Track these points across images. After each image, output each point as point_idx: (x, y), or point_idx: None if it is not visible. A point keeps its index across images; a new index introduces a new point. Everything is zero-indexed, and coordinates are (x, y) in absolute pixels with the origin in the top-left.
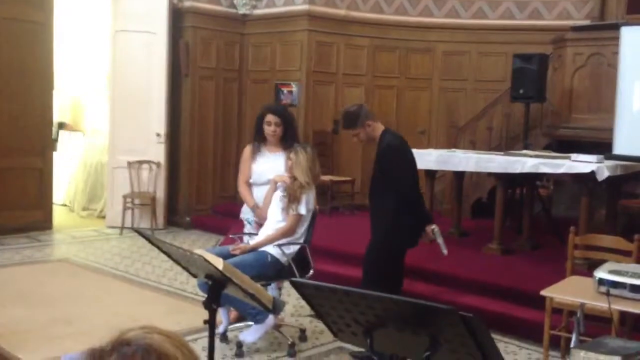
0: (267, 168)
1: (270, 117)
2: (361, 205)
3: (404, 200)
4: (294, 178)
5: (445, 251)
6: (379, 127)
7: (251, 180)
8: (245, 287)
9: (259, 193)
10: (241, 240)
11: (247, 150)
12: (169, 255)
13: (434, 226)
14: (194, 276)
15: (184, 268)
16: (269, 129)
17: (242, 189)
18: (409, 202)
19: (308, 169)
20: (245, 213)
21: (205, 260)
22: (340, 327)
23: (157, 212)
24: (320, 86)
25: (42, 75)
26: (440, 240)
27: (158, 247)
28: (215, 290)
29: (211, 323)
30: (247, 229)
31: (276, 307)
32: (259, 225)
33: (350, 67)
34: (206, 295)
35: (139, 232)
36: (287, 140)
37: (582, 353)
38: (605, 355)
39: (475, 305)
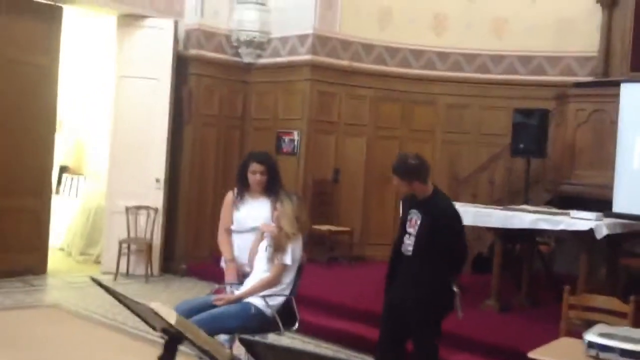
0: (250, 215)
1: (255, 167)
2: (359, 257)
3: (456, 265)
4: (280, 228)
5: (461, 315)
6: (428, 188)
7: (233, 228)
8: (200, 343)
9: (240, 241)
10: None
11: (229, 196)
12: (128, 308)
13: (456, 289)
14: (154, 329)
15: (144, 321)
16: (253, 178)
17: (222, 237)
18: (459, 267)
19: (294, 219)
20: (223, 260)
21: (156, 313)
22: None
23: (152, 258)
24: (321, 135)
25: (45, 118)
26: (458, 304)
27: (116, 299)
28: (171, 346)
29: None
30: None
31: None
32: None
33: (352, 117)
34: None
35: (97, 281)
36: (271, 188)
37: None
38: None
39: None
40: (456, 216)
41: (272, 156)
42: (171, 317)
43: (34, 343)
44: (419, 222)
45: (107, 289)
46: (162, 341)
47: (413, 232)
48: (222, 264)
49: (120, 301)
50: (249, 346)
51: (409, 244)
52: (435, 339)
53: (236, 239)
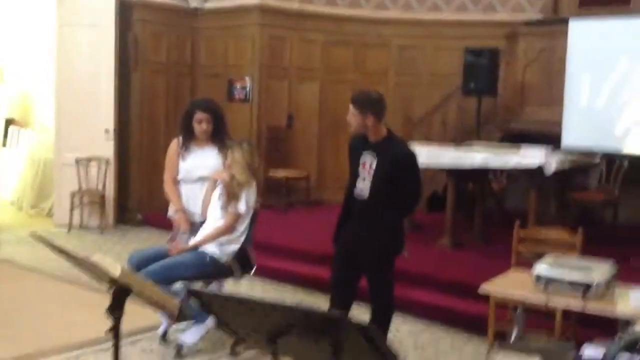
0: (196, 165)
1: (200, 115)
2: (317, 201)
3: (412, 207)
4: (232, 176)
5: (407, 255)
6: (383, 128)
7: (180, 177)
8: (146, 294)
9: (188, 191)
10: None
11: (173, 146)
12: (72, 262)
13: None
14: (101, 281)
15: (90, 274)
16: (199, 127)
17: (169, 188)
18: (413, 208)
19: (246, 166)
20: (172, 210)
21: (97, 266)
22: (243, 334)
23: (106, 209)
24: (273, 81)
25: None
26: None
27: (59, 254)
28: (119, 298)
29: (115, 332)
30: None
31: (184, 315)
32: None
33: (304, 62)
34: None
35: (38, 237)
36: (217, 136)
37: (500, 356)
38: (527, 356)
39: (424, 300)
40: (415, 159)
41: (217, 103)
42: (114, 270)
43: None
44: (374, 166)
45: (48, 244)
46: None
47: (367, 176)
48: (171, 213)
49: (63, 255)
50: (198, 297)
51: (362, 187)
52: (391, 278)
53: (184, 189)
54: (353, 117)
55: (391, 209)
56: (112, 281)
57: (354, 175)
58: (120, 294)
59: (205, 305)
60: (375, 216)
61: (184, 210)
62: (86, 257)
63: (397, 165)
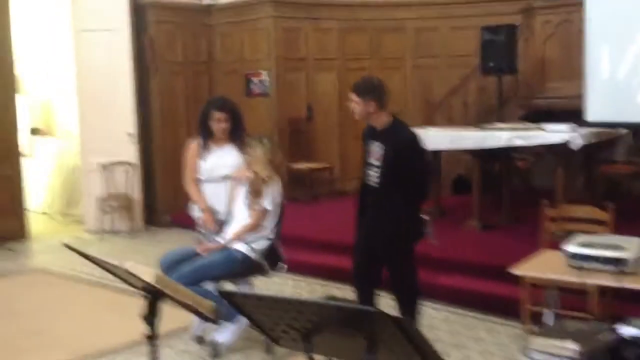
0: (218, 164)
1: (217, 115)
2: (342, 192)
3: (419, 191)
4: (255, 173)
5: (435, 241)
6: (386, 115)
7: (202, 177)
8: (180, 298)
9: (210, 190)
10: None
11: (193, 146)
12: (105, 270)
13: (425, 217)
14: (135, 287)
15: (124, 281)
16: (218, 127)
17: (192, 188)
18: (422, 193)
19: (267, 162)
20: (195, 211)
21: (132, 274)
22: (278, 334)
23: (135, 213)
24: (290, 73)
25: (3, 79)
26: (430, 230)
27: (92, 262)
28: (153, 303)
29: (152, 338)
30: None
31: (219, 316)
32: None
33: (320, 52)
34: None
35: (70, 247)
36: (236, 134)
37: (541, 340)
38: (561, 341)
39: (454, 285)
40: (417, 142)
41: (233, 101)
42: (148, 276)
43: (23, 309)
44: (381, 153)
45: (80, 254)
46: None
47: (377, 164)
48: (195, 213)
49: (96, 263)
50: (228, 298)
51: (374, 175)
52: (411, 264)
53: (207, 188)
54: (356, 105)
55: (403, 195)
56: (147, 287)
57: (366, 165)
58: (154, 300)
59: (237, 307)
60: (388, 203)
61: (209, 210)
62: (120, 265)
63: (399, 151)
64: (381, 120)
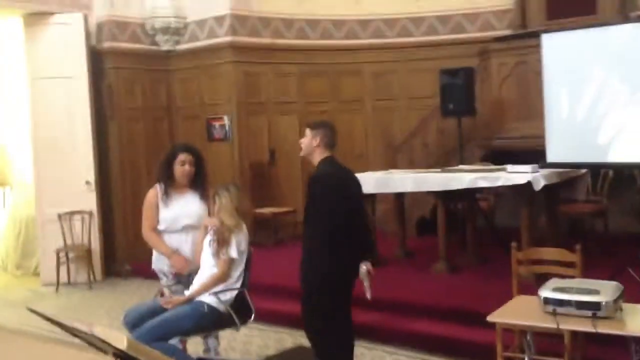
0: (180, 213)
1: (184, 156)
2: None
3: (324, 233)
4: (221, 221)
5: (368, 295)
6: (321, 154)
7: (162, 228)
8: None
9: (172, 242)
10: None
11: (153, 194)
12: (73, 335)
13: (363, 266)
14: (104, 353)
15: (93, 346)
16: (182, 170)
17: (152, 236)
18: (328, 235)
19: (234, 210)
20: (158, 263)
21: (102, 340)
22: None
23: (94, 264)
24: (251, 117)
25: None
26: (365, 283)
27: (59, 327)
28: None
29: None
30: (164, 281)
31: None
32: (175, 275)
33: (280, 95)
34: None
35: (34, 312)
36: (198, 180)
37: None
38: None
39: (425, 331)
40: (313, 182)
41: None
42: (121, 342)
43: None
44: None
45: (45, 317)
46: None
47: None
48: (154, 266)
49: (62, 328)
50: None
51: None
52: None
53: (167, 239)
54: (305, 139)
55: (310, 241)
56: (118, 354)
57: None
58: None
59: None
60: (303, 245)
61: (176, 251)
62: (88, 330)
63: (307, 188)
64: (316, 158)
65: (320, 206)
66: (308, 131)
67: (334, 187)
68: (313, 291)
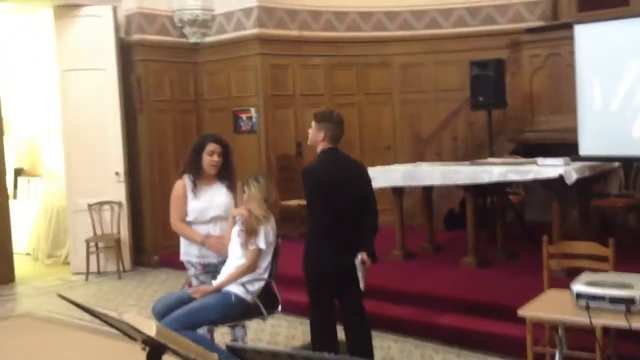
0: (210, 205)
1: (213, 147)
2: None
3: (318, 225)
4: (249, 212)
5: (361, 286)
6: (323, 146)
7: (190, 219)
8: (184, 352)
9: (201, 232)
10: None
11: (180, 186)
12: (103, 321)
13: (358, 257)
14: (134, 339)
15: (123, 333)
16: (211, 160)
17: (182, 226)
18: (322, 227)
19: (262, 201)
20: (186, 254)
21: (132, 327)
22: None
23: (123, 254)
24: (279, 109)
25: None
26: (359, 273)
27: (90, 313)
28: (154, 357)
29: None
30: (192, 272)
31: None
32: (203, 266)
33: (307, 88)
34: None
35: (66, 298)
36: (225, 171)
37: None
38: None
39: (455, 325)
40: (304, 170)
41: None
42: (150, 328)
43: (8, 356)
44: None
45: (76, 304)
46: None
47: None
48: (183, 257)
49: (93, 315)
50: (239, 353)
51: None
52: (314, 312)
53: (195, 230)
54: (310, 131)
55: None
56: (147, 340)
57: None
58: (155, 353)
59: None
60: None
61: (208, 235)
62: (119, 317)
63: None
64: (319, 149)
65: (309, 198)
66: (313, 124)
67: (321, 180)
68: (307, 281)
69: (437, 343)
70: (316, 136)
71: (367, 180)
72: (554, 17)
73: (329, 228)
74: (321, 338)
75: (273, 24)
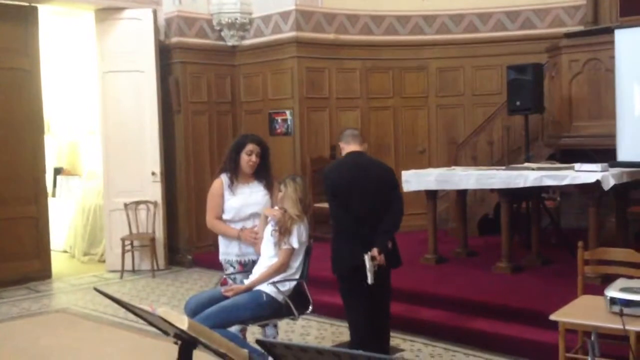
0: (247, 202)
1: (252, 147)
2: None
3: (339, 225)
4: (284, 211)
5: (369, 281)
6: (347, 150)
7: (229, 217)
8: (215, 346)
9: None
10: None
11: (219, 184)
12: (136, 315)
13: (368, 253)
14: (166, 334)
15: (155, 327)
16: (248, 159)
17: (217, 223)
18: (342, 226)
19: (298, 201)
20: (225, 254)
21: (165, 320)
22: None
23: (157, 252)
24: (314, 112)
25: (32, 122)
26: (367, 267)
27: (124, 307)
28: (186, 352)
29: None
30: (229, 271)
31: None
32: (242, 265)
33: (343, 91)
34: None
35: (101, 292)
36: (262, 171)
37: None
38: None
39: (486, 330)
40: (324, 172)
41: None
42: (182, 323)
43: (44, 351)
44: None
45: (112, 299)
46: (175, 344)
47: None
48: (221, 257)
49: (127, 309)
50: (268, 348)
51: None
52: (351, 312)
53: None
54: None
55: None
56: (179, 334)
57: None
58: (187, 347)
59: (277, 357)
60: None
61: (243, 228)
62: (153, 312)
63: None
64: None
65: (328, 200)
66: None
67: (337, 181)
68: (337, 278)
69: (468, 348)
70: (340, 154)
71: (391, 182)
72: (594, 22)
73: (341, 228)
74: (362, 335)
75: (310, 27)
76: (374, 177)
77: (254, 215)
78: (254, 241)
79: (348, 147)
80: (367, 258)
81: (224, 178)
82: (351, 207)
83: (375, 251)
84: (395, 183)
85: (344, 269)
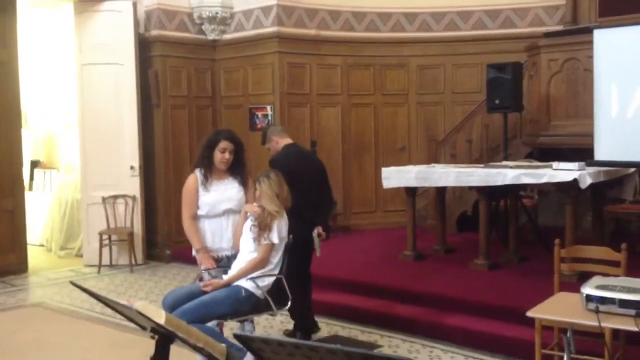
0: (220, 198)
1: (225, 144)
2: (344, 227)
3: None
4: (262, 207)
5: (318, 253)
6: (282, 143)
7: (203, 213)
8: (193, 340)
9: (212, 226)
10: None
11: (193, 180)
12: (113, 309)
13: (315, 230)
14: (143, 328)
15: (132, 321)
16: (222, 157)
17: (189, 226)
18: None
19: (274, 196)
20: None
21: (142, 314)
22: None
23: (135, 247)
24: (294, 108)
25: (9, 114)
26: (316, 243)
27: (100, 301)
28: (163, 346)
29: None
30: (204, 266)
31: (230, 358)
32: (216, 260)
33: (324, 87)
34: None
35: (77, 285)
36: (237, 167)
37: None
38: None
39: (462, 326)
40: (271, 161)
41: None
42: (159, 317)
43: (19, 345)
44: None
45: (89, 292)
46: (152, 338)
47: None
48: (194, 253)
49: (104, 303)
50: (246, 342)
51: None
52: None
53: (208, 224)
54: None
55: None
56: (157, 329)
57: None
58: (164, 341)
59: (255, 352)
60: None
61: (204, 249)
62: (129, 305)
63: None
64: (279, 147)
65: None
66: (267, 145)
67: (285, 170)
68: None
69: (446, 344)
70: (274, 147)
71: (325, 170)
72: (573, 22)
73: (294, 207)
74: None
75: (292, 22)
76: (317, 166)
77: (228, 212)
78: (206, 267)
79: (283, 140)
80: (315, 234)
81: (197, 174)
82: (300, 190)
83: (320, 229)
84: (324, 168)
85: (297, 243)
